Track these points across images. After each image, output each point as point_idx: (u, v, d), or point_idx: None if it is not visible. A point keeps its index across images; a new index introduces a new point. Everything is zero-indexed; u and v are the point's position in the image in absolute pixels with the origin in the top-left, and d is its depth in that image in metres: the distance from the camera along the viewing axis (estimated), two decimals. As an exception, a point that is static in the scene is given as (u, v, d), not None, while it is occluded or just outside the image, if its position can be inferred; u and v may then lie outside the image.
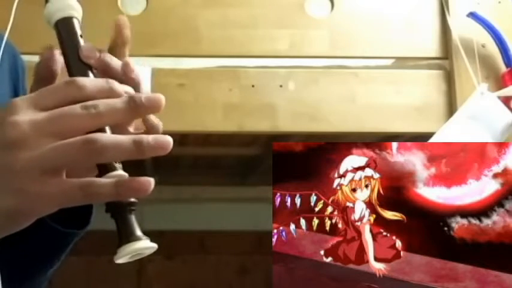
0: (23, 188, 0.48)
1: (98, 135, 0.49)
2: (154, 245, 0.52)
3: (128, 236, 0.51)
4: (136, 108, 0.51)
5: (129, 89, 0.55)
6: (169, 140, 0.50)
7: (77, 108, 0.50)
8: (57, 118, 0.49)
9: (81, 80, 0.52)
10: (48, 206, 0.49)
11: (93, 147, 0.48)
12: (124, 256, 0.51)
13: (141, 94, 0.52)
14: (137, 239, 0.51)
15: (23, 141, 0.48)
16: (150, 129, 0.56)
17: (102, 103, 0.50)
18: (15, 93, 0.77)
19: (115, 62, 0.57)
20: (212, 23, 1.52)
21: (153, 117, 0.56)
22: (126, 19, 0.60)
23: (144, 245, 0.52)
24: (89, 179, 0.49)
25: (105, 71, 0.57)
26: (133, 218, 0.52)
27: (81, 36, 0.58)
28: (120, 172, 0.52)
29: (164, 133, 0.52)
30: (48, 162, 0.48)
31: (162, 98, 0.52)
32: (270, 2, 1.55)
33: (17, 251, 0.62)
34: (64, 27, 0.58)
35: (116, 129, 0.53)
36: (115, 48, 0.59)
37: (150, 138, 0.50)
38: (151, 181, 0.50)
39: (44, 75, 0.58)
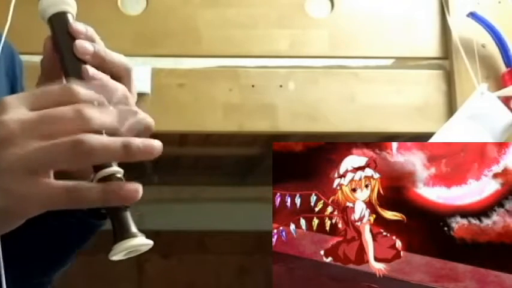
0: (8, 187, 0.47)
1: (87, 137, 0.48)
2: (150, 242, 0.52)
3: (123, 233, 0.51)
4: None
5: (123, 92, 0.55)
6: (158, 144, 0.50)
7: (68, 110, 0.49)
8: (47, 119, 0.49)
9: (76, 87, 0.51)
10: (34, 207, 0.48)
11: (81, 149, 0.47)
12: (119, 253, 0.51)
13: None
14: (132, 235, 0.51)
15: (10, 141, 0.47)
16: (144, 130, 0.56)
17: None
18: (13, 93, 0.76)
19: (110, 57, 0.57)
20: (212, 23, 1.52)
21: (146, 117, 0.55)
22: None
23: (140, 242, 0.51)
24: (76, 183, 0.48)
25: (99, 66, 0.56)
26: (128, 215, 0.52)
27: None
28: (115, 168, 0.51)
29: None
30: (35, 162, 0.47)
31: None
32: (270, 2, 1.55)
33: (23, 246, 0.61)
34: (58, 23, 0.57)
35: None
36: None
37: (139, 142, 0.49)
38: (139, 188, 0.49)
39: (50, 68, 0.57)
